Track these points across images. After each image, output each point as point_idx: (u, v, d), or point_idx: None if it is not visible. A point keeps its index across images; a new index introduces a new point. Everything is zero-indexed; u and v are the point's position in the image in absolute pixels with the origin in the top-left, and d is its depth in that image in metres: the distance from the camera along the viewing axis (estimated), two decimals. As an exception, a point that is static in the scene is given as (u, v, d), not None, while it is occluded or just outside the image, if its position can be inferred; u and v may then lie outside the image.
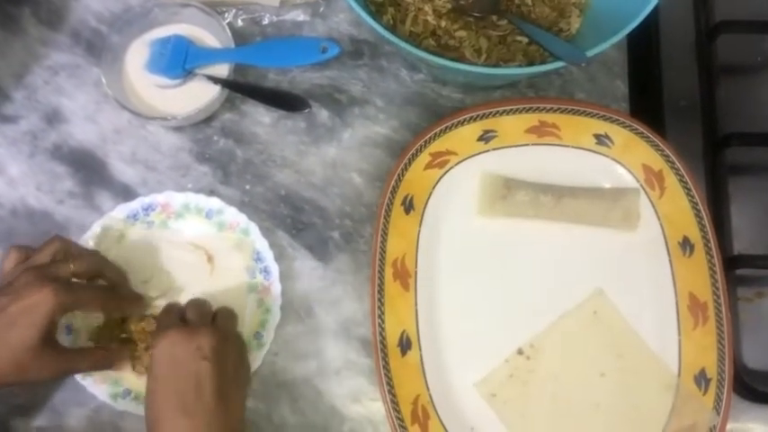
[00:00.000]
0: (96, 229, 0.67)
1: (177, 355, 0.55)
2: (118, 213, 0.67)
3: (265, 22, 0.75)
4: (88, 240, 0.67)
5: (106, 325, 0.65)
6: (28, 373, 0.56)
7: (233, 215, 0.67)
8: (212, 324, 0.59)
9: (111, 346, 0.63)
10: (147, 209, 0.68)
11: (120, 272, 0.64)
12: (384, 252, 0.66)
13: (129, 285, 0.65)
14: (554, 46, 0.62)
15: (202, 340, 0.55)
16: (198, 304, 0.61)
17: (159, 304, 0.65)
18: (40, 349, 0.56)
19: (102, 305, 0.61)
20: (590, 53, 0.58)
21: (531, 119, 0.69)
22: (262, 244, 0.66)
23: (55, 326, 0.58)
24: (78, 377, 0.63)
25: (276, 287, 0.65)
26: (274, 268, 0.66)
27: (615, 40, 0.58)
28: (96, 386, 0.63)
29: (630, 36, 0.60)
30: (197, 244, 0.67)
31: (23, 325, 0.55)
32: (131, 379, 0.64)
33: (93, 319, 0.65)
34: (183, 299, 0.65)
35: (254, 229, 0.66)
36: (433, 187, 0.68)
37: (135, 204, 0.68)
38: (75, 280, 0.59)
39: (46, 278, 0.56)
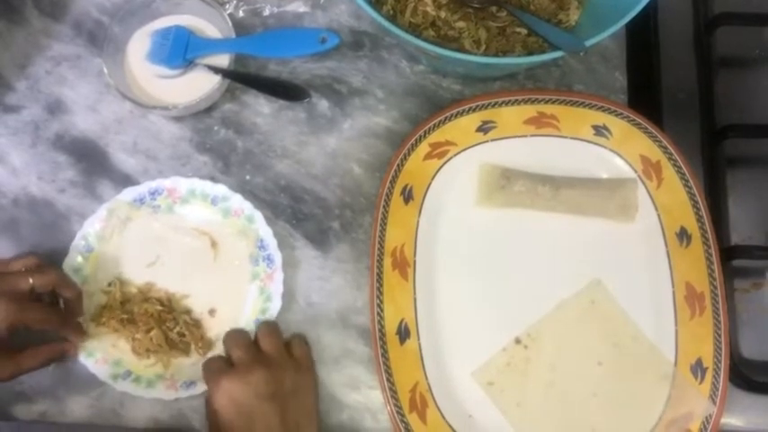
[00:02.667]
0: (102, 212, 0.67)
1: (237, 399, 0.55)
2: (124, 197, 0.68)
3: (266, 12, 0.75)
4: (94, 223, 0.67)
5: (108, 306, 0.65)
6: None
7: (238, 202, 0.67)
8: (286, 355, 0.60)
9: (69, 337, 0.63)
10: (154, 193, 0.68)
11: (78, 294, 0.63)
12: (383, 242, 0.66)
13: (81, 310, 0.64)
14: (553, 36, 0.62)
15: (257, 381, 0.56)
16: (270, 332, 0.61)
17: (162, 286, 0.66)
18: None
19: (48, 327, 0.61)
20: (589, 42, 0.58)
21: (530, 110, 0.69)
22: (266, 232, 0.67)
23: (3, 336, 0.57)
24: (81, 357, 0.64)
25: (278, 275, 0.66)
26: (277, 256, 0.66)
27: (614, 29, 0.58)
28: (97, 366, 0.64)
29: (629, 28, 0.61)
30: (202, 230, 0.67)
31: None
32: (132, 360, 0.64)
33: (96, 299, 0.66)
34: (187, 286, 0.66)
35: (258, 216, 0.67)
36: (433, 177, 0.69)
37: (141, 188, 0.68)
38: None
39: (4, 290, 0.56)
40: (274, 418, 0.55)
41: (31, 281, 0.59)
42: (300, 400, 0.59)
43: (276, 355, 0.59)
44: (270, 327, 0.63)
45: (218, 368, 0.58)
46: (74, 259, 0.67)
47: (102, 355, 0.64)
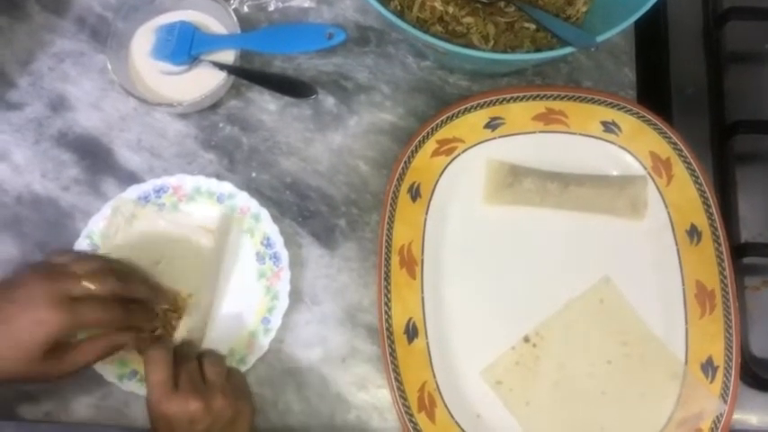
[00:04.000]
0: (107, 210, 0.67)
1: (172, 423, 0.55)
2: (129, 194, 0.67)
3: (271, 8, 0.74)
4: (98, 221, 0.67)
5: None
6: (34, 378, 0.56)
7: (244, 200, 0.67)
8: (227, 384, 0.59)
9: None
10: (159, 191, 0.68)
11: (151, 291, 0.62)
12: (390, 240, 0.66)
13: (157, 298, 0.63)
14: (563, 31, 0.61)
15: (196, 412, 0.55)
16: (215, 362, 0.60)
17: (167, 284, 0.65)
18: (43, 358, 0.55)
19: (109, 325, 0.59)
20: (599, 38, 0.57)
21: (539, 106, 0.69)
22: (272, 230, 0.66)
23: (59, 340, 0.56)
24: None
25: (285, 273, 0.65)
26: (284, 254, 0.66)
27: (625, 25, 0.58)
28: (103, 366, 0.63)
29: (638, 23, 0.60)
30: (207, 227, 0.66)
31: (26, 338, 0.54)
32: (137, 360, 0.64)
33: None
34: (192, 284, 0.65)
35: (264, 214, 0.66)
36: (440, 175, 0.68)
37: (146, 186, 0.67)
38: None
39: (58, 296, 0.55)
40: None
41: (92, 287, 0.57)
42: (233, 429, 0.58)
43: (216, 383, 0.58)
44: (216, 356, 0.61)
45: (162, 384, 0.56)
46: (78, 258, 0.66)
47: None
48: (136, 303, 0.61)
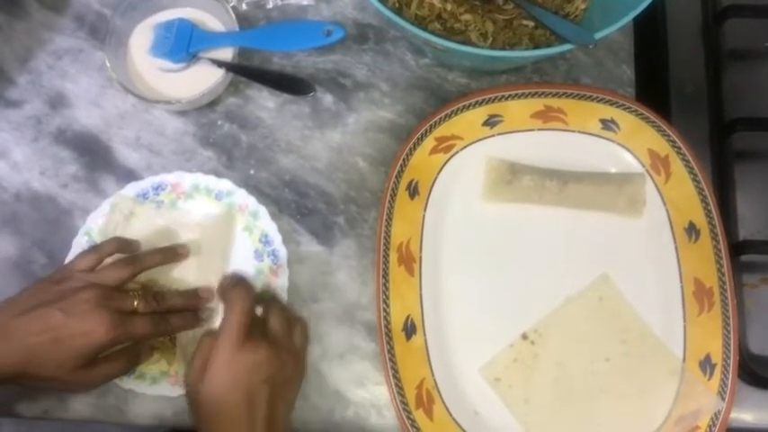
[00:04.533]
0: (105, 207, 0.67)
1: (237, 373, 0.54)
2: (127, 192, 0.67)
3: (269, 6, 0.74)
4: (97, 218, 0.67)
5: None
6: (62, 385, 0.58)
7: (242, 197, 0.67)
8: (290, 341, 0.58)
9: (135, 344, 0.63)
10: (157, 188, 0.68)
11: (192, 297, 0.63)
12: (389, 237, 0.66)
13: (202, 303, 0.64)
14: (561, 28, 0.61)
15: (263, 361, 0.55)
16: (281, 313, 0.59)
17: (166, 282, 0.66)
18: (74, 368, 0.56)
19: (152, 336, 0.61)
20: (598, 35, 0.57)
21: (537, 103, 0.69)
22: (270, 227, 0.66)
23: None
24: None
25: (284, 271, 0.65)
26: (282, 252, 0.66)
27: (624, 22, 0.58)
28: None
29: (637, 21, 0.60)
30: (206, 225, 0.66)
31: (68, 350, 0.55)
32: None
33: None
34: (191, 281, 0.65)
35: (263, 212, 0.67)
36: (439, 172, 0.68)
37: (145, 183, 0.68)
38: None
39: (107, 308, 0.56)
40: (263, 401, 0.54)
41: (135, 303, 0.59)
42: (289, 390, 0.58)
43: (282, 339, 0.58)
44: (281, 306, 0.60)
45: (239, 328, 0.55)
46: (77, 255, 0.66)
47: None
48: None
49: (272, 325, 0.58)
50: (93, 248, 0.61)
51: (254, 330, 0.56)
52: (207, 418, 0.55)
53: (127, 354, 0.61)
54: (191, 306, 0.63)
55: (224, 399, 0.54)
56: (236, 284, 0.57)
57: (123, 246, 0.62)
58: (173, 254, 0.64)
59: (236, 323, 0.55)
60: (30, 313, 0.56)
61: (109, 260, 0.62)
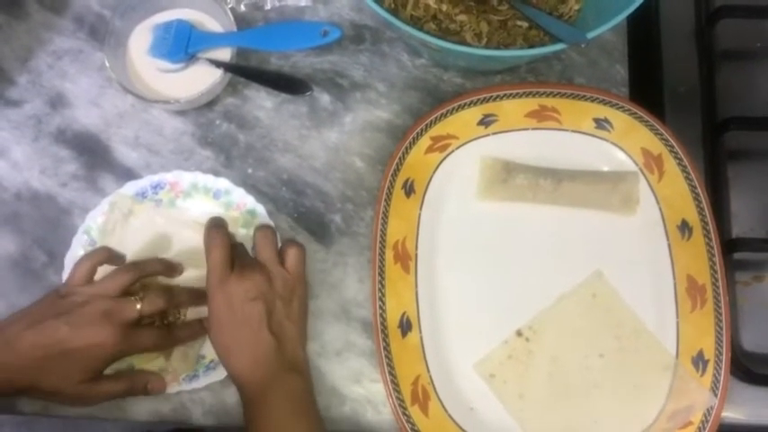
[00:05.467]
0: (104, 205, 0.67)
1: (229, 300, 0.58)
2: (126, 190, 0.68)
3: (267, 7, 0.75)
4: (96, 216, 0.67)
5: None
6: (66, 398, 0.58)
7: (240, 196, 0.67)
8: (279, 265, 0.61)
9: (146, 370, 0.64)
10: (156, 187, 0.68)
11: (192, 296, 0.64)
12: (385, 235, 0.66)
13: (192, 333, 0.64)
14: (555, 28, 0.62)
15: (248, 282, 0.58)
16: (267, 242, 0.62)
17: (165, 279, 0.66)
18: (80, 382, 0.57)
19: (159, 348, 0.62)
20: (591, 34, 0.58)
21: (532, 103, 0.69)
22: (268, 224, 0.67)
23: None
24: None
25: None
26: (280, 250, 0.66)
27: (617, 21, 0.58)
28: None
29: (630, 20, 0.61)
30: (204, 223, 0.67)
31: (75, 362, 0.56)
32: (134, 354, 0.64)
33: None
34: (189, 280, 0.66)
35: (260, 210, 0.67)
36: (434, 171, 0.69)
37: (144, 182, 0.68)
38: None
39: (112, 319, 0.57)
40: (257, 317, 0.58)
41: (138, 307, 0.59)
42: (288, 307, 0.61)
43: (268, 263, 0.61)
44: (267, 235, 0.63)
45: (221, 265, 0.59)
46: (76, 253, 0.67)
47: None
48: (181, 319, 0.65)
49: (259, 254, 0.61)
50: (85, 258, 0.61)
51: (240, 263, 0.60)
52: (226, 359, 0.59)
53: (132, 378, 0.62)
54: (198, 303, 0.64)
55: (227, 331, 0.58)
56: (210, 228, 0.61)
57: (113, 257, 0.63)
58: (171, 269, 0.64)
59: (216, 264, 0.59)
60: (37, 326, 0.57)
61: (101, 270, 0.62)
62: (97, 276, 0.61)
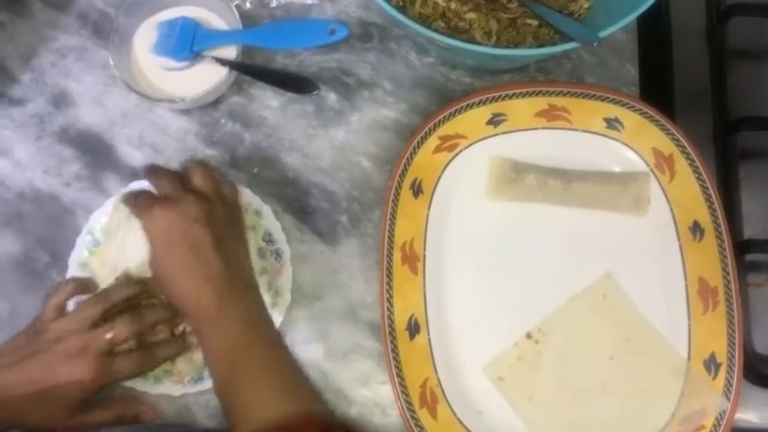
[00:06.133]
0: (108, 206, 0.67)
1: (170, 226, 0.55)
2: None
3: (273, 4, 0.74)
4: (100, 217, 0.67)
5: (134, 297, 0.65)
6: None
7: (247, 196, 0.67)
8: (214, 188, 0.60)
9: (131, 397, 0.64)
10: None
11: (164, 316, 0.63)
12: (392, 236, 0.66)
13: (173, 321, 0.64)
14: (566, 26, 0.61)
15: (188, 207, 0.56)
16: (205, 173, 0.60)
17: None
18: (72, 414, 0.57)
19: (143, 371, 0.62)
20: (603, 33, 0.57)
21: (541, 102, 0.69)
22: (274, 226, 0.66)
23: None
24: None
25: (287, 270, 0.65)
26: (286, 251, 0.65)
27: (628, 20, 0.57)
28: None
29: (641, 19, 0.60)
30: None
31: (56, 400, 0.56)
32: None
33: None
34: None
35: (267, 211, 0.66)
36: (442, 171, 0.68)
37: (148, 182, 0.67)
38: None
39: (86, 353, 0.56)
40: (208, 240, 0.56)
41: (108, 336, 0.58)
42: (235, 229, 0.59)
43: (208, 191, 0.59)
44: (204, 168, 0.61)
45: (147, 199, 0.57)
46: (80, 254, 0.66)
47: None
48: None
49: (195, 182, 0.59)
50: (54, 293, 0.61)
51: (175, 190, 0.58)
52: (172, 286, 0.56)
53: (123, 406, 0.62)
54: (175, 320, 0.63)
55: (175, 257, 0.55)
56: (150, 170, 0.60)
57: (81, 286, 0.62)
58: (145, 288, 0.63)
59: (161, 191, 0.58)
60: (13, 367, 0.56)
61: (71, 303, 0.62)
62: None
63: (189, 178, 0.59)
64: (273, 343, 0.57)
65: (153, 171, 0.60)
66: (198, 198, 0.57)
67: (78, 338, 0.57)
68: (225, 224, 0.58)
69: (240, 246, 0.59)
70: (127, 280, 0.65)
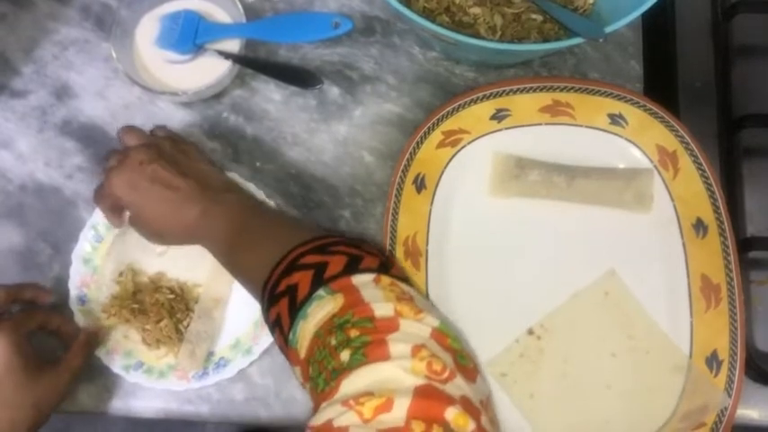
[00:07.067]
0: None
1: (130, 179, 0.60)
2: None
3: (277, -3, 0.74)
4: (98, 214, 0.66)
5: (119, 296, 0.65)
6: (52, 402, 0.58)
7: (251, 191, 0.66)
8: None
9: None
10: None
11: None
12: (395, 231, 0.65)
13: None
14: (572, 22, 0.61)
15: (135, 156, 0.60)
16: (134, 131, 0.64)
17: (173, 275, 0.66)
18: (36, 381, 0.57)
19: (41, 321, 0.62)
20: (608, 29, 0.57)
21: (545, 98, 0.68)
22: None
23: (28, 356, 0.57)
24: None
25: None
26: (288, 245, 0.65)
27: (634, 16, 0.57)
28: (109, 357, 0.64)
29: (646, 15, 0.59)
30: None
31: (3, 372, 0.55)
32: (143, 351, 0.64)
33: (105, 289, 0.65)
34: (198, 275, 0.65)
35: (270, 205, 0.66)
36: (445, 166, 0.68)
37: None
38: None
39: None
40: (168, 170, 0.59)
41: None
42: (189, 154, 0.63)
43: (145, 138, 0.63)
44: (131, 127, 0.65)
45: (103, 174, 0.62)
46: (83, 249, 0.66)
47: (114, 345, 0.64)
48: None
49: (130, 141, 0.63)
50: None
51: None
52: (160, 231, 0.61)
53: (81, 336, 0.62)
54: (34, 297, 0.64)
55: (147, 207, 0.60)
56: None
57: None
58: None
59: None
60: None
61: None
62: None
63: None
64: (267, 216, 0.62)
65: (120, 133, 0.64)
66: (140, 145, 0.61)
67: None
68: (178, 153, 0.62)
69: (203, 165, 0.63)
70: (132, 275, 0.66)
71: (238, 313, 0.65)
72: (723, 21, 0.73)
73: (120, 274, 0.65)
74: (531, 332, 0.65)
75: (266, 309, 0.55)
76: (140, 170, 0.59)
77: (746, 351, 0.63)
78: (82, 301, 0.65)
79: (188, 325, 0.64)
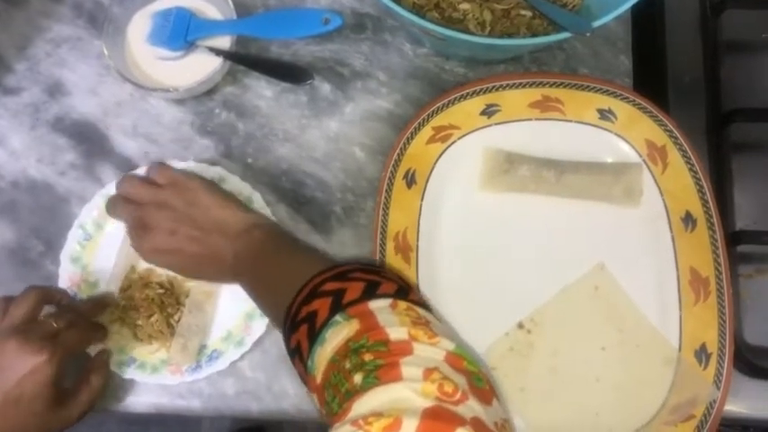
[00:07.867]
0: (98, 199, 0.67)
1: (157, 247, 0.62)
2: None
3: (268, -6, 0.74)
4: (92, 210, 0.66)
5: (127, 288, 0.65)
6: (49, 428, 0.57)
7: (235, 184, 0.67)
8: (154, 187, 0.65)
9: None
10: None
11: (97, 304, 0.65)
12: (385, 226, 0.66)
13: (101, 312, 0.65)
14: (559, 16, 0.61)
15: (158, 218, 0.62)
16: (139, 184, 0.65)
17: (163, 270, 0.66)
18: (53, 409, 0.56)
19: (88, 343, 0.62)
20: (595, 23, 0.57)
21: (535, 93, 0.69)
22: (265, 213, 0.66)
23: (60, 376, 0.57)
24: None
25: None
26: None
27: (621, 10, 0.58)
28: None
29: (634, 10, 0.60)
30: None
31: (28, 395, 0.55)
32: (136, 347, 0.64)
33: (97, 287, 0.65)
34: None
35: (257, 198, 0.67)
36: (436, 161, 0.68)
37: (142, 171, 0.67)
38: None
39: (32, 340, 0.55)
40: (185, 234, 0.61)
41: (54, 324, 0.58)
42: (213, 192, 0.64)
43: (153, 195, 0.63)
44: (157, 165, 0.66)
45: (131, 228, 0.63)
46: (72, 248, 0.66)
47: (107, 342, 0.64)
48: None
49: (139, 198, 0.64)
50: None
51: (140, 215, 0.63)
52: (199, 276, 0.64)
53: (95, 367, 0.62)
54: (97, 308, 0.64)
55: (188, 262, 0.62)
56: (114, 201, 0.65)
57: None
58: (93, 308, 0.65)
59: (131, 229, 0.63)
60: None
61: None
62: None
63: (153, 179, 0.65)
64: (287, 247, 0.63)
65: (121, 183, 0.65)
66: (153, 208, 0.62)
67: (21, 331, 0.56)
68: (189, 207, 0.62)
69: (216, 210, 0.63)
70: (121, 271, 0.66)
71: (229, 305, 0.65)
72: (712, 16, 0.74)
73: (110, 274, 0.66)
74: (521, 326, 0.65)
75: (287, 337, 0.55)
76: (167, 235, 0.62)
77: (735, 344, 0.64)
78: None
79: (179, 319, 0.64)
